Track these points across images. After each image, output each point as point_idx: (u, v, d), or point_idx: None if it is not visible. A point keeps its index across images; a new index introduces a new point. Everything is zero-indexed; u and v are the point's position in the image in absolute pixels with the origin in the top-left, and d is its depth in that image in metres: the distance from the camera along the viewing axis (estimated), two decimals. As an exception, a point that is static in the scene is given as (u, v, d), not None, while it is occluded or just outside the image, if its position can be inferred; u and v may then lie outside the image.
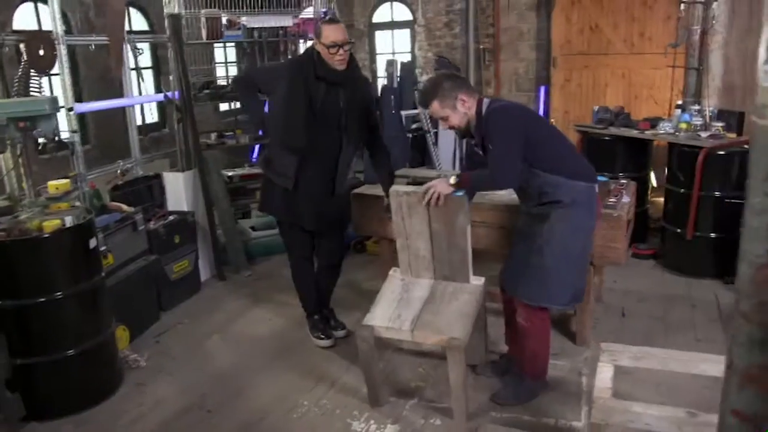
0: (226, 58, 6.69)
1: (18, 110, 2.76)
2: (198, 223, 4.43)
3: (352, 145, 3.29)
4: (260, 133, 4.00)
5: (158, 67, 7.77)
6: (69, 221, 2.83)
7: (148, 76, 7.58)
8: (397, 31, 8.66)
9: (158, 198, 4.44)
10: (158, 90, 7.39)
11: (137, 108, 7.58)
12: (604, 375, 2.27)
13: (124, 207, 3.71)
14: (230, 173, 5.19)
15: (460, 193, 2.71)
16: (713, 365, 2.26)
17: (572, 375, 3.16)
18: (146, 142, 7.53)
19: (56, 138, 2.98)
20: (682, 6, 4.87)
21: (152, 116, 7.20)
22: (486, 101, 2.77)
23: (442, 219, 2.79)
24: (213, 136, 5.02)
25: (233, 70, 6.09)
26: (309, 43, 5.34)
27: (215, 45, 5.46)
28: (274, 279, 4.63)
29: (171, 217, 4.14)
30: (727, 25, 4.75)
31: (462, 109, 2.74)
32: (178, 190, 4.37)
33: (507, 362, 3.15)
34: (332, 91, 3.14)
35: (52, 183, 2.90)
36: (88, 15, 6.51)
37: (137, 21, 7.53)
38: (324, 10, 5.20)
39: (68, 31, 5.97)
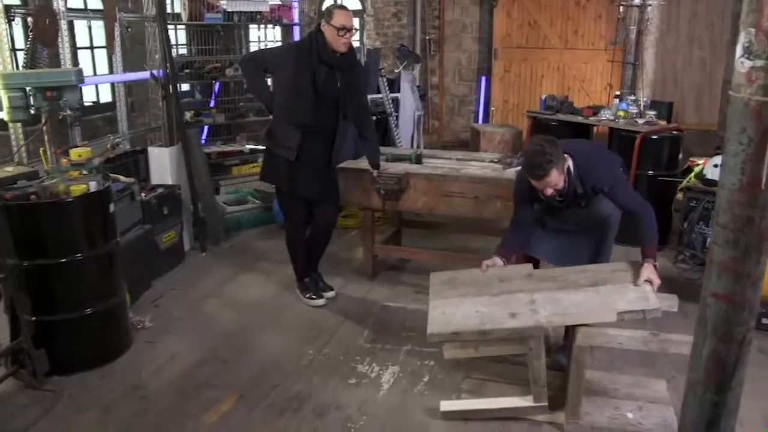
0: (176, 40, 6.74)
1: (47, 80, 2.92)
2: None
3: (347, 122, 3.65)
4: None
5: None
6: (93, 186, 3.03)
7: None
8: (346, 20, 8.93)
9: (143, 172, 4.59)
10: (110, 68, 7.37)
11: (92, 88, 7.57)
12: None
13: (122, 178, 3.87)
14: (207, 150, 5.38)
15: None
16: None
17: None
18: (99, 121, 7.52)
19: (79, 108, 3.14)
20: (621, 8, 5.53)
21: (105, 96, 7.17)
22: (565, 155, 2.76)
23: None
24: (188, 114, 5.19)
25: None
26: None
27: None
28: (251, 250, 4.91)
29: (160, 190, 4.33)
30: (659, 26, 5.45)
31: (565, 168, 2.73)
32: (163, 165, 4.54)
33: None
34: (332, 73, 3.48)
35: (74, 150, 3.06)
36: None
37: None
38: (295, -4, 5.47)
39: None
